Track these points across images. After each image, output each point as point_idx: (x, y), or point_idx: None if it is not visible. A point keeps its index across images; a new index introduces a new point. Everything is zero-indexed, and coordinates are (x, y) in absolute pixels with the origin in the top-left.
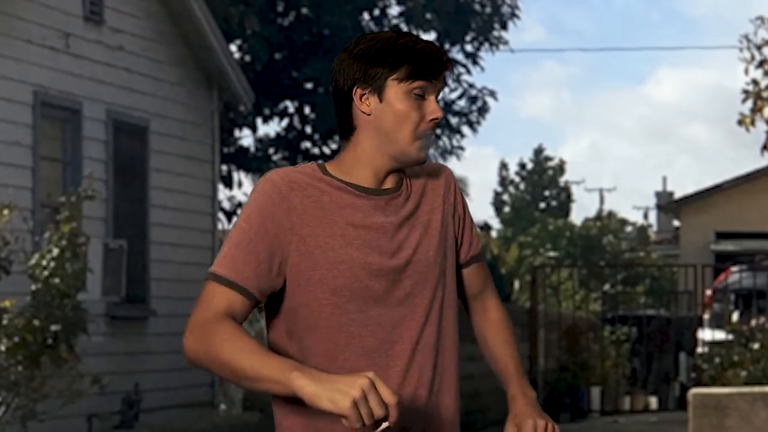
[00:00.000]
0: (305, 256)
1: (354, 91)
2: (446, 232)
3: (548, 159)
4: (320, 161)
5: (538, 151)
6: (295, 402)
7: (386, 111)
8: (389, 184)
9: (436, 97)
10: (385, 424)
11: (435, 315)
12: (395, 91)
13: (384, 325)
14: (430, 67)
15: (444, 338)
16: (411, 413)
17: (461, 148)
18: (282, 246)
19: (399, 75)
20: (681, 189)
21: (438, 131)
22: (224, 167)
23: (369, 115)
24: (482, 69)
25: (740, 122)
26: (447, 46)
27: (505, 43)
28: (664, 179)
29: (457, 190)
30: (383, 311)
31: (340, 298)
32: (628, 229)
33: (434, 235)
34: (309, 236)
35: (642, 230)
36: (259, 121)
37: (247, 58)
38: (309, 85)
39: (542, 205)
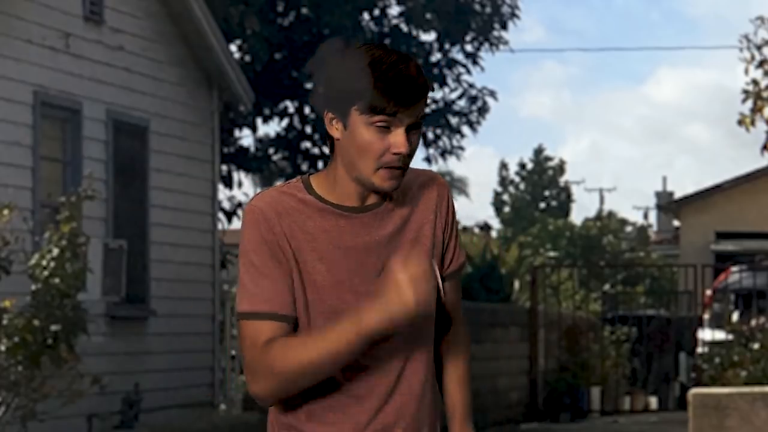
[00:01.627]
0: (298, 281)
1: (325, 114)
2: (435, 246)
3: (548, 159)
4: (307, 175)
5: (538, 151)
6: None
7: (350, 139)
8: (374, 198)
9: (411, 128)
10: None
11: (425, 331)
12: (358, 121)
13: (373, 345)
14: (394, 101)
15: (432, 353)
16: (400, 422)
17: (461, 148)
18: (289, 269)
19: (360, 106)
20: (681, 189)
21: (438, 131)
22: (224, 167)
23: (338, 139)
24: (482, 69)
25: (740, 122)
26: (447, 46)
27: (505, 43)
28: (664, 179)
29: (450, 202)
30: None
31: (327, 321)
32: (628, 229)
33: (423, 250)
34: (299, 261)
35: (642, 230)
36: (259, 121)
37: (247, 58)
38: (309, 85)
39: (542, 205)
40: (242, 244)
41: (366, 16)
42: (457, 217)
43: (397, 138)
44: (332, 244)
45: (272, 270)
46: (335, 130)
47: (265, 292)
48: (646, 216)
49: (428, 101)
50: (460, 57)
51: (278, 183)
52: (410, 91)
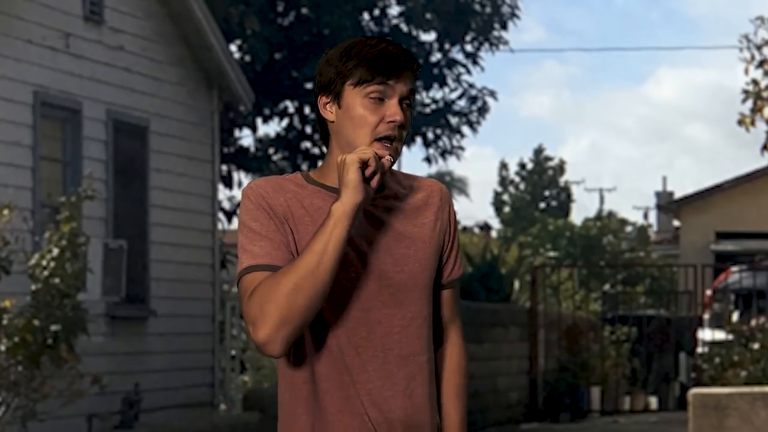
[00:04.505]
0: (293, 247)
1: (319, 100)
2: (433, 249)
3: (548, 159)
4: (305, 171)
5: (538, 151)
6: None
7: (345, 117)
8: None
9: (404, 100)
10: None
11: (414, 328)
12: (352, 96)
13: (358, 329)
14: (385, 69)
15: (423, 351)
16: (387, 417)
17: (461, 148)
18: (286, 232)
19: (353, 80)
20: (681, 189)
21: (438, 131)
22: (224, 167)
23: (333, 122)
24: (482, 69)
25: (740, 122)
26: (447, 46)
27: (505, 43)
28: (664, 179)
29: (451, 209)
30: (360, 314)
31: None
32: (628, 229)
33: (422, 248)
34: (296, 232)
35: (642, 230)
36: (259, 121)
37: (247, 58)
38: (309, 85)
39: (542, 205)
40: (242, 216)
41: (366, 16)
42: (458, 216)
43: (391, 107)
44: None
45: (270, 231)
46: (330, 113)
47: (268, 248)
48: (646, 216)
49: (418, 79)
50: (460, 57)
51: None
52: (395, 61)
